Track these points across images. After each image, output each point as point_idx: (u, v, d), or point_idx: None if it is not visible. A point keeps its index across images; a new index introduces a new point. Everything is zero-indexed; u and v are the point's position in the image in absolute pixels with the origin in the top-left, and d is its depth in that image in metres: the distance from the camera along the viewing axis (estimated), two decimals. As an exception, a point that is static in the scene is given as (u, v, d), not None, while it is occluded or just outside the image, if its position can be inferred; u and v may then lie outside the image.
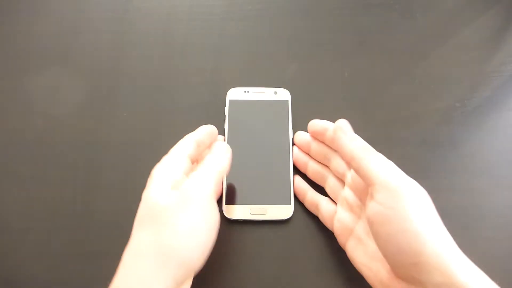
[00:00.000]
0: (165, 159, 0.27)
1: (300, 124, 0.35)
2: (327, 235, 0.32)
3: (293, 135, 0.35)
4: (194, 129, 0.29)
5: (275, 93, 0.37)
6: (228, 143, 0.34)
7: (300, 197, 0.34)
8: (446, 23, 0.39)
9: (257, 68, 0.39)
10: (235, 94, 0.37)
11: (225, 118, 0.36)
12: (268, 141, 0.35)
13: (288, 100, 0.36)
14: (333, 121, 0.34)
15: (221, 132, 0.34)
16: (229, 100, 0.36)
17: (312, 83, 0.38)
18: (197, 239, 0.24)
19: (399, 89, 0.37)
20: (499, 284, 0.24)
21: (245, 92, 0.37)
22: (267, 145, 0.35)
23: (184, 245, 0.24)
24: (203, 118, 0.35)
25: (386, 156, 0.26)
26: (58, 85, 0.38)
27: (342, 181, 0.32)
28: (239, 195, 0.34)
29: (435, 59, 0.38)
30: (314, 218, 0.33)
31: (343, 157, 0.28)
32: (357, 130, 0.35)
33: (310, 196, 0.33)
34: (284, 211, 0.33)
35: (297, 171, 0.35)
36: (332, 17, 0.40)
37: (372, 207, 0.25)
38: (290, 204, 0.33)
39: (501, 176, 0.34)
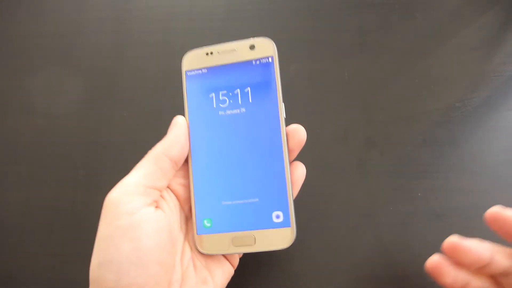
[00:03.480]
0: None
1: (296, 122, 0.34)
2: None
3: (285, 113, 0.26)
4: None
5: (252, 47, 0.26)
6: (192, 140, 0.26)
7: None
8: (446, 23, 0.39)
9: (257, 68, 0.38)
10: (194, 60, 0.27)
11: (184, 100, 0.27)
12: (249, 130, 0.25)
13: (272, 57, 0.26)
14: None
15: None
16: (187, 74, 0.27)
17: (312, 83, 0.38)
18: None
19: (399, 89, 0.37)
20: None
21: (207, 54, 0.27)
22: (248, 137, 0.25)
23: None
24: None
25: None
26: (58, 85, 0.38)
27: None
28: (215, 218, 0.25)
29: (435, 59, 0.38)
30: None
31: None
32: (357, 130, 0.35)
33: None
34: (281, 237, 0.24)
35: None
36: (332, 17, 0.40)
37: None
38: (289, 226, 0.24)
39: (501, 176, 0.34)
